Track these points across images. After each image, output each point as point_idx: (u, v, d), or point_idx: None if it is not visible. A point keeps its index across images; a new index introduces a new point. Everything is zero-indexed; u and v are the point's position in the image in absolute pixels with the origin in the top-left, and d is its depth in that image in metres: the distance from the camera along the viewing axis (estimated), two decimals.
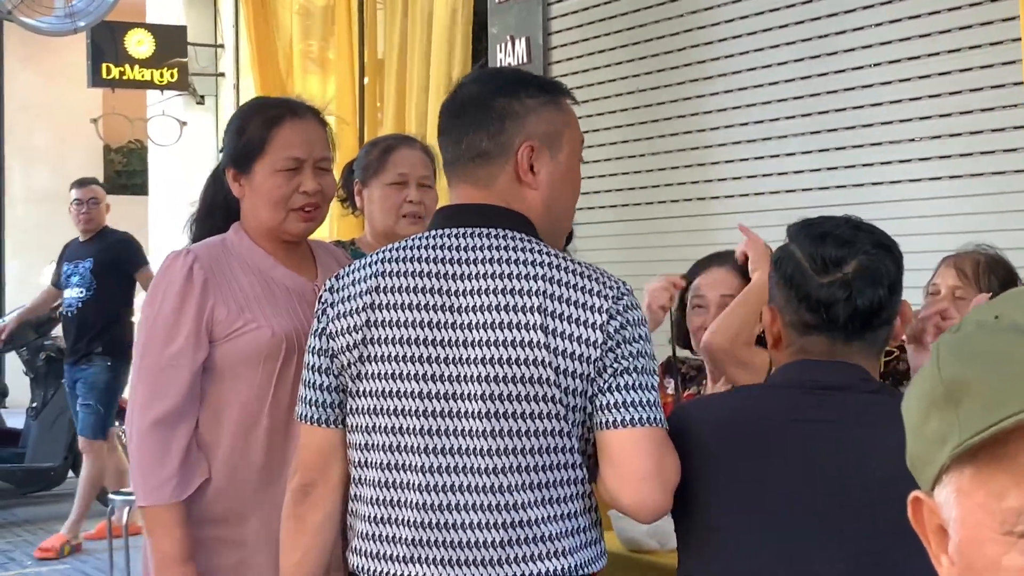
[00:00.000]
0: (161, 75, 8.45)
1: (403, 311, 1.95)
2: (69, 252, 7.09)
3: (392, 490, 1.95)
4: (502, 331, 1.90)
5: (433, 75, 5.83)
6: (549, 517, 1.93)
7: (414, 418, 1.94)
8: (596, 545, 1.99)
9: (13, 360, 8.23)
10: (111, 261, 6.89)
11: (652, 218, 5.45)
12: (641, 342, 1.95)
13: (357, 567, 1.99)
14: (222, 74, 8.66)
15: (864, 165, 4.57)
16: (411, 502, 1.94)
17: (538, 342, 1.90)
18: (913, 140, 4.41)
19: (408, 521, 1.94)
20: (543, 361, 1.89)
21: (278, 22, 7.39)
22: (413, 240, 2.03)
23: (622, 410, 1.92)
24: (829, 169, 4.68)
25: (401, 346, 1.94)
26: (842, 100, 4.63)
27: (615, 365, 1.92)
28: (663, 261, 4.83)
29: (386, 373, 1.95)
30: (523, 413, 1.91)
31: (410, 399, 1.94)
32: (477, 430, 1.91)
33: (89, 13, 6.77)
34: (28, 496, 7.59)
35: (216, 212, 2.64)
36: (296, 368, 2.40)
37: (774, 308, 2.02)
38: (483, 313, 1.92)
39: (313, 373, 2.03)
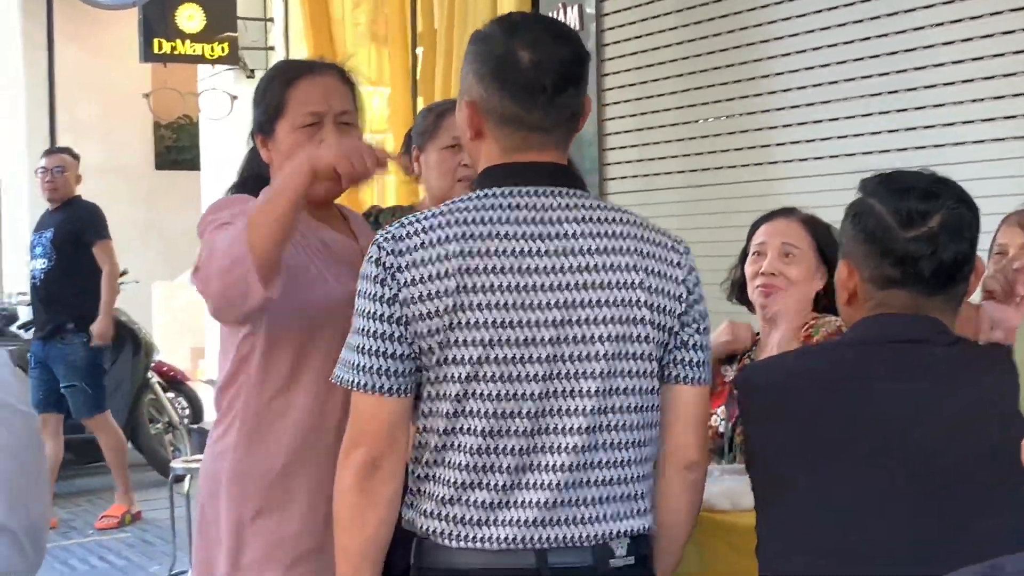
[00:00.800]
0: (212, 49, 8.47)
1: (497, 275, 1.91)
2: (38, 222, 6.96)
3: (488, 455, 1.93)
4: (602, 291, 1.92)
5: None
6: (635, 476, 1.97)
7: (515, 383, 1.91)
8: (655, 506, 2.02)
9: None
10: (71, 231, 6.75)
11: (712, 184, 5.41)
12: (703, 301, 2.03)
13: (436, 531, 1.96)
14: (272, 48, 8.67)
15: (926, 127, 4.51)
16: (507, 466, 1.92)
17: (637, 300, 1.92)
18: (976, 101, 4.34)
19: (501, 485, 1.93)
20: (643, 319, 1.93)
21: None
22: (490, 198, 1.96)
23: (695, 368, 2.00)
24: (891, 132, 4.63)
25: (498, 311, 1.90)
26: (904, 61, 4.57)
27: (693, 322, 1.99)
28: (725, 227, 4.82)
29: (483, 340, 1.90)
30: (624, 371, 1.93)
31: (511, 364, 1.91)
32: (580, 389, 1.92)
33: None
34: (87, 467, 7.69)
35: (248, 182, 2.59)
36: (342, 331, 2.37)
37: (850, 263, 2.00)
38: (581, 274, 1.92)
39: (381, 341, 1.92)
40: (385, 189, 6.31)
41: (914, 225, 1.93)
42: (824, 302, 3.03)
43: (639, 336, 1.93)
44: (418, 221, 1.96)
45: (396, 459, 1.98)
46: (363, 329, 1.95)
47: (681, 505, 2.05)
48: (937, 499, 1.85)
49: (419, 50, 6.41)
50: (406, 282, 1.91)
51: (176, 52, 8.44)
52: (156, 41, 8.41)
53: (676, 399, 2.01)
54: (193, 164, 10.55)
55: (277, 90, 2.46)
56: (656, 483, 2.02)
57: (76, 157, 7.06)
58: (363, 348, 1.94)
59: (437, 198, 3.12)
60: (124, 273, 7.83)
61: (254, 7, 8.75)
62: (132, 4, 7.21)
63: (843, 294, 2.03)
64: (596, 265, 1.93)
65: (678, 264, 1.99)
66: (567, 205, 1.97)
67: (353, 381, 1.96)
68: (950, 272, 1.94)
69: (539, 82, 1.95)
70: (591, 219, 1.96)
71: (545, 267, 1.92)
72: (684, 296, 1.98)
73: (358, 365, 1.95)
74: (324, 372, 2.28)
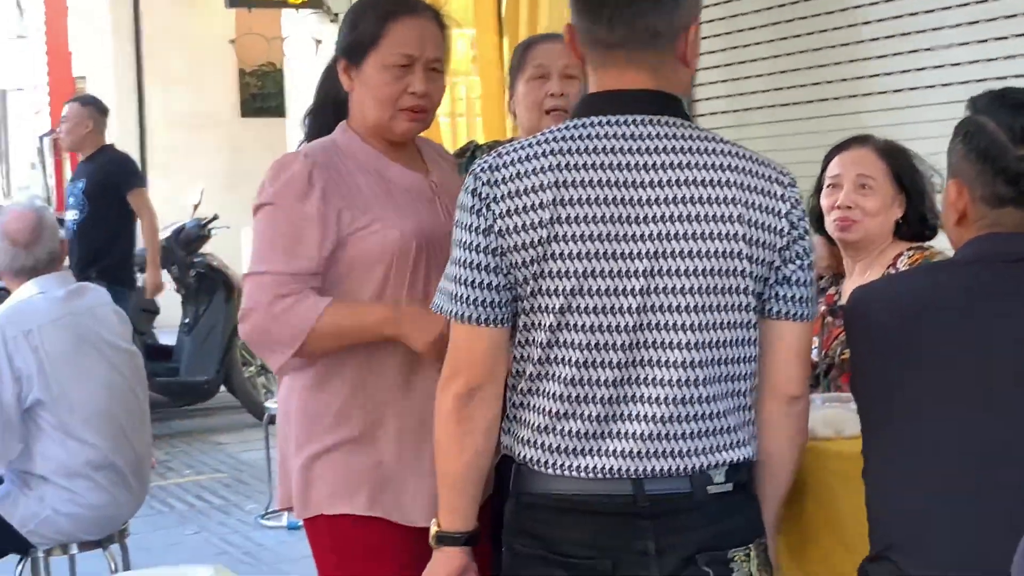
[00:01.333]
0: None
1: (591, 206, 1.88)
2: (74, 172, 6.89)
3: (582, 387, 1.92)
4: (700, 223, 1.88)
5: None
6: (732, 408, 1.95)
7: (610, 315, 1.89)
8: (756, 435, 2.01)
9: (163, 278, 8.45)
10: (102, 182, 6.69)
11: (798, 119, 5.31)
12: (809, 236, 1.99)
13: (532, 459, 1.96)
14: None
15: (1007, 57, 4.40)
16: (602, 397, 1.92)
17: (735, 233, 1.89)
18: None
19: (595, 416, 1.92)
20: (740, 253, 1.89)
21: None
22: (584, 127, 1.93)
23: (798, 303, 1.96)
24: (988, 60, 4.51)
25: (593, 242, 1.88)
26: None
27: (796, 257, 1.95)
28: (808, 163, 4.73)
29: (576, 271, 1.89)
30: (720, 305, 1.90)
31: (605, 296, 1.89)
32: (677, 323, 1.89)
33: None
34: (183, 409, 7.84)
35: (328, 107, 2.57)
36: (425, 268, 2.38)
37: (960, 182, 1.96)
38: (677, 206, 1.89)
39: (477, 271, 1.93)
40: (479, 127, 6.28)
41: None
42: (904, 229, 2.98)
43: (737, 270, 1.90)
44: (513, 151, 1.94)
45: (493, 388, 1.98)
46: (460, 259, 1.95)
47: (783, 437, 2.02)
48: None
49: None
50: (501, 213, 1.90)
51: None
52: None
53: (778, 334, 1.97)
54: (278, 111, 10.62)
55: (373, 21, 2.43)
56: (757, 414, 2.00)
57: (100, 109, 6.97)
58: (460, 278, 1.95)
59: (528, 131, 3.03)
60: (215, 218, 7.94)
61: None
62: None
63: (952, 214, 1.99)
64: (692, 197, 1.89)
65: (781, 197, 1.93)
66: (664, 135, 1.92)
67: (450, 310, 1.97)
68: None
69: None
70: (688, 150, 1.92)
71: (640, 199, 1.89)
72: (786, 230, 1.93)
73: (455, 295, 1.96)
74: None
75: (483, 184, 1.92)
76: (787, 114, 5.39)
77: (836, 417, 2.39)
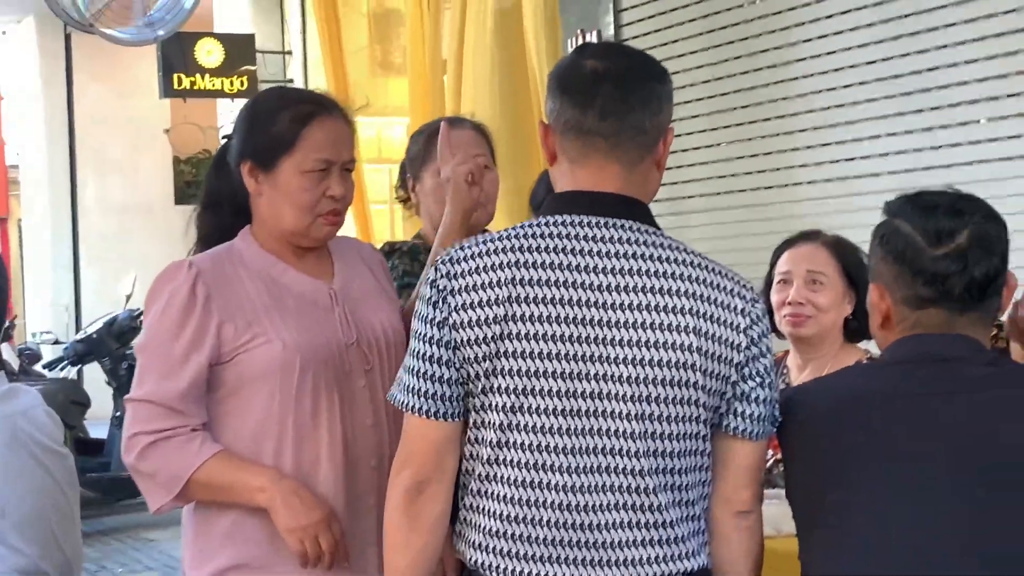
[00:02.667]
0: (231, 83, 8.53)
1: (546, 306, 1.87)
2: None
3: (531, 489, 1.89)
4: (653, 332, 1.87)
5: (504, 71, 5.80)
6: (682, 517, 1.92)
7: (558, 417, 1.87)
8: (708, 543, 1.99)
9: (93, 371, 8.32)
10: None
11: (737, 207, 5.39)
12: (771, 353, 1.97)
13: (483, 564, 1.93)
14: (291, 80, 8.72)
15: (952, 145, 4.49)
16: (552, 502, 1.89)
17: (689, 344, 1.87)
18: (1003, 118, 4.31)
19: (548, 521, 1.89)
20: (693, 364, 1.87)
21: (348, 26, 7.42)
22: (547, 227, 1.93)
23: (756, 422, 1.95)
24: (916, 151, 4.60)
25: (544, 342, 1.86)
26: (925, 80, 4.54)
27: (756, 375, 1.93)
28: (750, 250, 4.78)
29: (527, 370, 1.87)
30: (670, 416, 1.88)
31: (554, 398, 1.87)
32: (625, 431, 1.87)
33: (167, 22, 6.84)
34: (114, 505, 7.67)
35: (224, 204, 2.43)
36: (313, 384, 2.29)
37: (881, 285, 1.98)
38: (633, 312, 1.87)
39: (431, 364, 1.91)
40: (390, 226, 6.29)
41: (942, 243, 1.91)
42: (854, 325, 2.99)
43: (689, 382, 1.88)
44: (475, 245, 1.94)
45: (442, 483, 1.95)
46: (414, 351, 1.94)
47: (737, 549, 1.99)
48: (997, 509, 1.83)
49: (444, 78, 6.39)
50: (456, 306, 1.89)
51: (196, 87, 8.51)
52: (176, 76, 8.47)
53: (732, 450, 1.96)
54: None
55: (287, 124, 2.33)
56: (709, 525, 1.98)
57: None
58: (413, 369, 1.94)
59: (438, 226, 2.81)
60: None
61: (272, 41, 8.81)
62: (153, 40, 7.25)
63: (877, 317, 2.01)
64: (649, 304, 1.88)
65: (741, 311, 1.91)
66: (628, 240, 1.91)
67: (403, 402, 1.95)
68: (982, 287, 1.92)
69: (596, 84, 1.93)
70: (650, 256, 1.91)
71: (596, 301, 1.88)
72: (744, 345, 1.90)
73: (409, 386, 1.94)
74: (265, 426, 2.28)
75: (442, 276, 1.92)
76: (727, 202, 5.46)
77: (775, 514, 2.38)
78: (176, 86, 8.51)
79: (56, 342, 8.39)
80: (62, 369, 8.04)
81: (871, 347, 3.00)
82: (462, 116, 3.17)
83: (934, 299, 1.92)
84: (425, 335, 1.92)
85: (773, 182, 5.25)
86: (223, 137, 2.51)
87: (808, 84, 5.04)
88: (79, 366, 8.17)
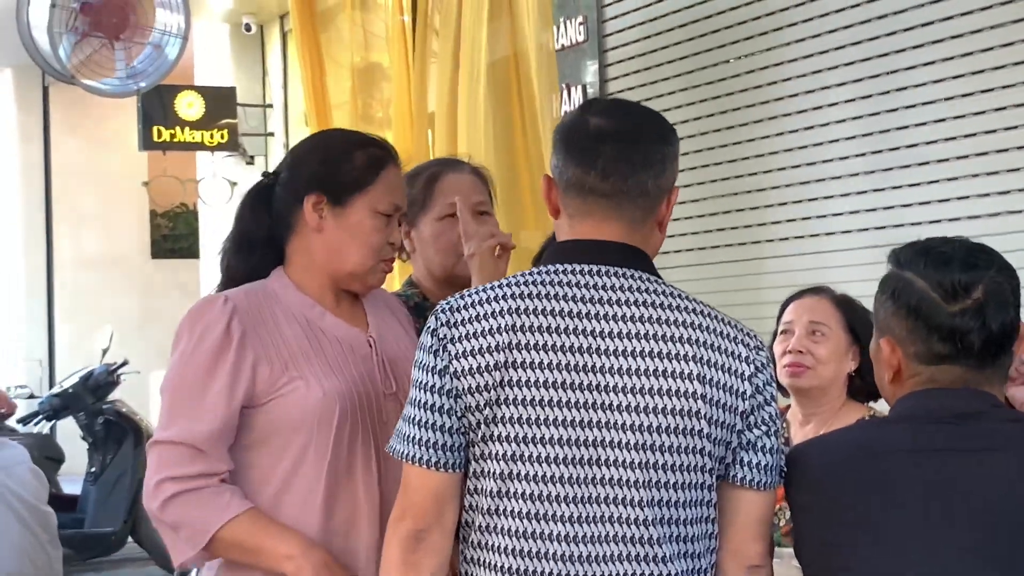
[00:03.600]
0: (211, 136, 8.50)
1: (547, 352, 1.85)
2: None
3: (532, 540, 1.86)
4: (657, 379, 1.84)
5: (496, 123, 5.80)
6: (689, 570, 1.89)
7: (560, 466, 1.85)
8: None
9: (67, 426, 8.22)
10: None
11: (719, 261, 5.39)
12: (775, 402, 1.94)
13: None
14: (271, 134, 8.71)
15: (921, 203, 4.50)
16: (553, 553, 1.85)
17: (694, 392, 1.85)
18: (1012, 171, 4.31)
19: (550, 573, 1.86)
20: (698, 412, 1.85)
21: (333, 80, 7.42)
22: (547, 274, 1.92)
23: (763, 472, 1.92)
24: (904, 206, 4.61)
25: (545, 390, 1.85)
26: (914, 135, 4.56)
27: (762, 423, 1.91)
28: (733, 305, 4.77)
29: (527, 418, 1.85)
30: (674, 465, 1.85)
31: (556, 446, 1.85)
32: (628, 480, 1.84)
33: (150, 74, 6.82)
34: (88, 562, 7.54)
35: (257, 244, 2.35)
36: (350, 435, 2.22)
37: (892, 340, 1.94)
38: (635, 359, 1.85)
39: (431, 413, 1.89)
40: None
41: (958, 299, 1.87)
42: (858, 384, 2.97)
43: (694, 430, 1.85)
44: (476, 294, 1.93)
45: (442, 534, 1.93)
46: (415, 400, 1.93)
47: None
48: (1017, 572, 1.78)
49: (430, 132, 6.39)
50: (456, 354, 1.88)
51: (175, 140, 8.48)
52: (155, 129, 8.45)
53: (739, 501, 1.93)
54: (190, 252, 10.55)
55: (364, 162, 2.32)
56: None
57: None
58: (414, 419, 1.92)
59: (440, 279, 2.78)
60: (125, 363, 7.77)
61: (253, 94, 8.80)
62: (133, 92, 7.22)
63: (887, 372, 1.97)
64: (651, 352, 1.86)
65: (745, 359, 1.90)
66: (629, 287, 1.90)
67: (402, 452, 1.94)
68: (1000, 342, 1.89)
69: (599, 143, 1.93)
70: (652, 304, 1.89)
71: (598, 348, 1.86)
72: (749, 393, 1.89)
73: (409, 436, 1.93)
74: (299, 478, 2.21)
75: (442, 324, 1.91)
76: (708, 257, 5.45)
77: (779, 575, 2.35)
78: (156, 138, 8.47)
79: (31, 396, 8.28)
80: (36, 424, 7.93)
81: (876, 407, 2.98)
82: (459, 158, 3.03)
83: (951, 356, 1.88)
84: (425, 383, 1.90)
85: (758, 237, 5.25)
86: (263, 174, 2.43)
87: (792, 140, 5.05)
88: (53, 421, 8.07)
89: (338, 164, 2.31)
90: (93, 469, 7.60)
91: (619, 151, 1.93)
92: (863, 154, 4.74)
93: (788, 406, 3.07)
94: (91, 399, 7.59)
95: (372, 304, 2.42)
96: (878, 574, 1.85)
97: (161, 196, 10.67)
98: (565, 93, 5.99)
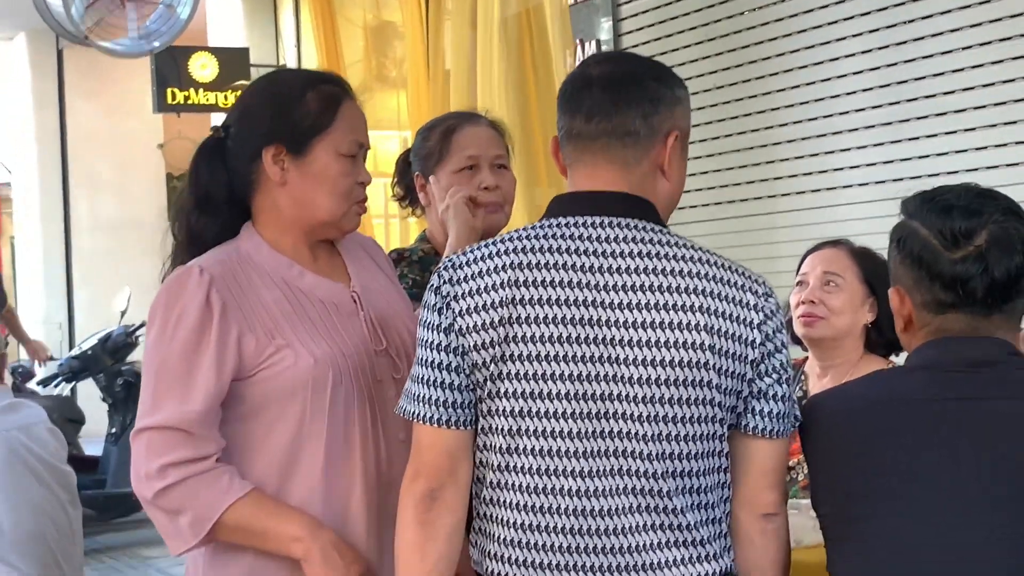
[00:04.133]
0: (225, 97, 8.48)
1: (550, 307, 1.83)
2: None
3: (543, 496, 1.85)
4: (664, 331, 1.82)
5: (511, 80, 5.78)
6: (703, 521, 1.88)
7: (568, 420, 1.83)
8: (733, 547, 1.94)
9: (87, 388, 8.26)
10: None
11: (738, 216, 5.36)
12: (786, 349, 1.92)
13: (499, 574, 1.90)
14: None
15: (939, 155, 4.48)
16: (565, 508, 1.85)
17: (702, 343, 1.82)
18: (1010, 123, 4.29)
19: (562, 528, 1.85)
20: (707, 363, 1.83)
21: (346, 39, 7.40)
22: (547, 228, 1.89)
23: (775, 420, 1.89)
24: (921, 157, 4.58)
25: (550, 344, 1.83)
26: (931, 86, 4.53)
27: (772, 371, 1.88)
28: (753, 259, 4.76)
29: (534, 373, 1.83)
30: (684, 417, 1.83)
31: (563, 401, 1.83)
32: (638, 433, 1.83)
33: (163, 33, 6.79)
34: (110, 523, 7.60)
35: (219, 202, 2.20)
36: (346, 397, 2.13)
37: (901, 290, 1.93)
38: (642, 311, 1.83)
39: (439, 371, 1.88)
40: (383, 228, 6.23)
41: (960, 245, 1.85)
42: (875, 336, 2.95)
43: (704, 381, 1.83)
44: (478, 249, 1.91)
45: (456, 491, 1.91)
46: (422, 359, 1.91)
47: (762, 554, 1.94)
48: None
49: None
50: (461, 311, 1.86)
51: (190, 101, 8.46)
52: (169, 91, 8.43)
53: (752, 450, 1.91)
54: None
55: (319, 104, 2.18)
56: (732, 530, 1.93)
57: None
58: (422, 378, 1.90)
59: (457, 229, 2.66)
60: (143, 325, 7.80)
61: (266, 54, 8.77)
62: (146, 52, 7.19)
63: (899, 321, 1.97)
64: (658, 303, 1.83)
65: (754, 307, 1.86)
66: (633, 239, 1.87)
67: (412, 411, 1.92)
68: (1004, 289, 1.86)
69: (586, 88, 1.92)
70: (657, 255, 1.86)
71: (603, 301, 1.84)
72: (759, 342, 1.86)
73: (417, 395, 1.91)
74: (295, 447, 2.12)
75: (445, 282, 1.89)
76: (726, 212, 5.43)
77: (795, 525, 2.34)
78: (170, 101, 8.46)
79: (50, 359, 8.32)
80: (56, 386, 7.97)
81: (897, 360, 2.96)
82: (476, 112, 2.97)
83: (955, 304, 1.87)
84: (432, 342, 1.89)
85: (773, 191, 5.23)
86: (212, 128, 2.31)
87: (807, 92, 5.02)
88: (73, 383, 8.11)
89: (290, 110, 2.16)
90: (113, 430, 7.65)
91: (603, 93, 1.90)
92: (879, 105, 4.72)
93: (806, 358, 3.06)
94: (110, 361, 7.62)
95: (350, 251, 2.30)
96: (897, 523, 1.84)
97: (176, 159, 10.67)
98: (579, 49, 5.95)
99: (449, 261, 1.92)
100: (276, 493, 2.12)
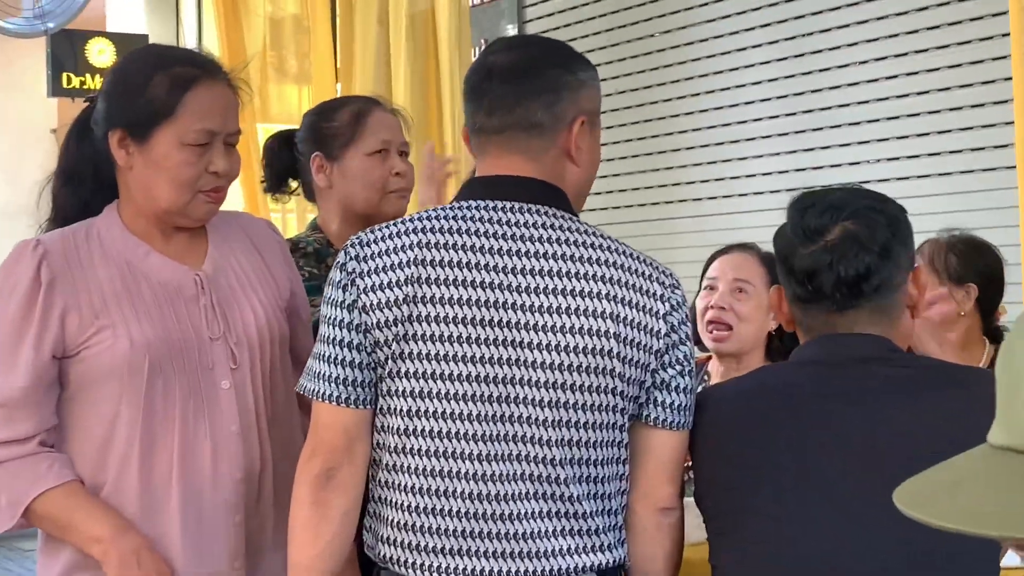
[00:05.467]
0: None
1: (455, 287, 1.82)
2: None
3: (439, 479, 1.84)
4: (568, 316, 1.82)
5: (415, 82, 5.76)
6: (598, 511, 1.88)
7: (467, 403, 1.82)
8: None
9: None
10: None
11: (637, 220, 5.42)
12: (691, 342, 1.93)
13: (392, 558, 1.88)
14: None
15: (832, 166, 4.57)
16: (462, 492, 1.84)
17: (606, 331, 1.82)
18: (901, 138, 4.39)
19: (458, 512, 1.84)
20: (610, 351, 1.82)
21: (248, 30, 7.30)
22: (455, 210, 1.88)
23: (676, 412, 1.90)
24: (815, 168, 4.68)
25: (453, 325, 1.81)
26: (828, 98, 4.62)
27: (676, 362, 1.89)
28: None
29: (435, 354, 1.82)
30: (585, 404, 1.83)
31: (463, 383, 1.82)
32: (537, 418, 1.82)
33: (58, 15, 6.62)
34: None
35: (85, 177, 2.15)
36: (165, 385, 2.04)
37: (781, 288, 1.98)
38: (547, 296, 1.82)
39: (340, 348, 1.86)
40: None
41: (813, 240, 1.90)
42: (776, 343, 2.97)
43: (605, 369, 1.83)
44: (385, 228, 1.90)
45: (352, 472, 1.90)
46: (324, 336, 1.89)
47: (655, 548, 1.94)
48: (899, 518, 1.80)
49: (338, 86, 6.32)
50: (365, 288, 1.85)
51: (86, 87, 8.25)
52: (64, 75, 8.23)
53: (651, 442, 1.91)
54: None
55: (165, 89, 2.05)
56: (627, 521, 1.93)
57: None
58: (323, 355, 1.88)
59: (359, 215, 2.67)
60: None
61: (166, 42, 8.59)
62: (40, 32, 7.01)
63: (782, 318, 2.01)
64: (562, 289, 1.83)
65: (660, 297, 1.86)
66: (540, 224, 1.87)
67: (312, 389, 1.90)
68: (854, 285, 1.88)
69: (487, 80, 1.91)
70: (564, 241, 1.86)
71: (506, 284, 1.83)
72: (663, 332, 1.86)
73: (318, 372, 1.89)
74: (111, 436, 2.04)
75: (351, 259, 1.87)
76: (624, 216, 5.48)
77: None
78: (65, 85, 8.25)
79: None
80: None
81: None
82: (376, 97, 2.93)
83: (809, 298, 1.91)
84: (334, 319, 1.87)
85: (675, 196, 5.28)
86: (86, 100, 2.23)
87: (709, 100, 5.09)
88: None
89: (133, 95, 2.06)
90: None
91: (503, 85, 1.88)
92: (777, 116, 4.80)
93: (709, 357, 3.07)
94: None
95: (222, 234, 2.20)
96: (780, 515, 1.87)
97: None
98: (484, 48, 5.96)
99: (357, 238, 1.90)
100: (91, 481, 2.05)
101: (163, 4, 8.74)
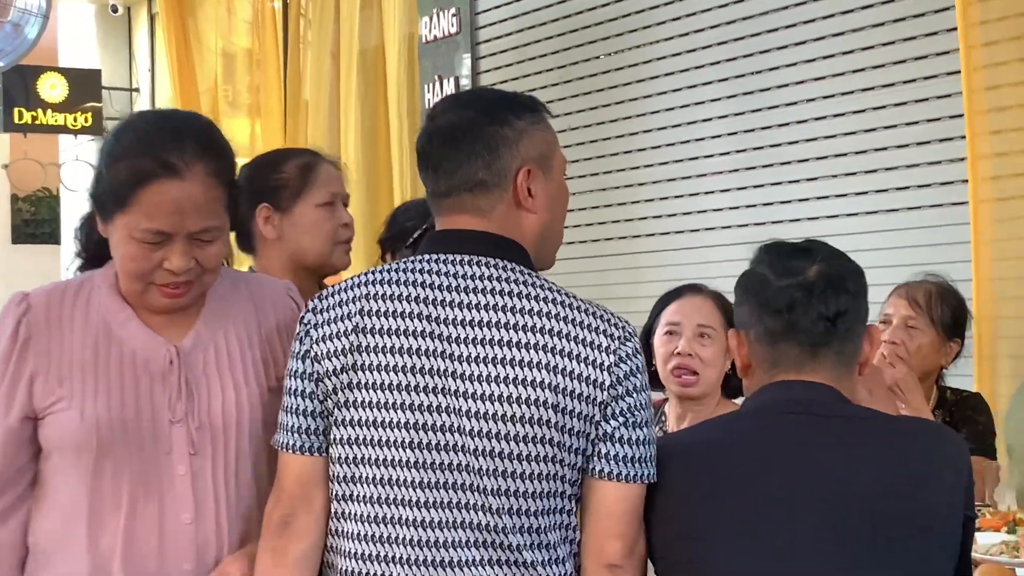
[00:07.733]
0: (75, 119, 8.28)
1: (395, 336, 1.84)
2: None
3: (382, 525, 1.85)
4: (505, 367, 1.82)
5: (365, 116, 5.78)
6: (543, 561, 1.87)
7: (406, 450, 1.83)
8: None
9: None
10: None
11: (597, 255, 5.44)
12: (644, 391, 1.91)
13: None
14: None
15: (800, 200, 4.60)
16: (402, 538, 1.84)
17: (543, 382, 1.82)
18: (849, 175, 4.44)
19: (402, 558, 1.84)
20: (547, 402, 1.82)
21: (201, 64, 7.30)
22: (405, 262, 1.92)
23: (623, 464, 1.88)
24: (766, 204, 4.71)
25: (392, 374, 1.83)
26: (777, 135, 4.66)
27: (620, 414, 1.87)
28: (611, 299, 4.79)
29: (375, 402, 1.84)
30: (522, 455, 1.83)
31: (401, 430, 1.83)
32: (474, 467, 1.82)
33: (8, 53, 6.59)
34: None
35: (98, 256, 2.07)
36: (114, 466, 1.95)
37: (740, 332, 1.99)
38: (484, 347, 1.83)
39: (295, 398, 1.92)
40: None
41: (790, 275, 1.93)
42: (735, 382, 2.99)
43: (543, 420, 1.82)
44: (344, 283, 1.95)
45: (309, 519, 1.92)
46: (286, 387, 1.95)
47: None
48: (866, 558, 1.83)
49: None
50: (316, 338, 1.91)
51: (38, 122, 8.24)
52: (16, 110, 8.20)
53: (597, 494, 1.88)
54: (52, 238, 10.25)
55: (123, 179, 1.92)
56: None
57: None
58: (286, 406, 1.94)
59: (308, 267, 2.71)
60: None
61: (119, 77, 8.60)
62: None
63: (738, 363, 2.02)
64: (505, 340, 1.84)
65: (607, 350, 1.85)
66: (489, 276, 1.88)
67: (277, 440, 1.96)
68: (830, 321, 1.91)
69: (429, 145, 1.95)
70: (511, 293, 1.86)
71: (448, 335, 1.84)
72: (608, 384, 1.84)
73: (282, 423, 1.95)
74: (68, 496, 1.97)
75: (308, 311, 1.94)
76: (580, 252, 5.49)
77: None
78: (17, 120, 8.22)
79: None
80: None
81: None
82: (315, 150, 2.94)
83: (783, 332, 1.93)
84: (293, 370, 1.94)
85: (627, 232, 5.31)
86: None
87: (662, 136, 5.12)
88: None
89: (103, 170, 1.96)
90: None
91: (444, 148, 1.92)
92: (728, 153, 4.84)
93: (666, 399, 3.08)
94: None
95: (223, 303, 2.09)
96: (728, 564, 1.87)
97: (22, 180, 10.33)
98: (437, 84, 5.97)
99: (320, 295, 1.95)
100: (52, 546, 1.99)
101: (115, 38, 8.74)
